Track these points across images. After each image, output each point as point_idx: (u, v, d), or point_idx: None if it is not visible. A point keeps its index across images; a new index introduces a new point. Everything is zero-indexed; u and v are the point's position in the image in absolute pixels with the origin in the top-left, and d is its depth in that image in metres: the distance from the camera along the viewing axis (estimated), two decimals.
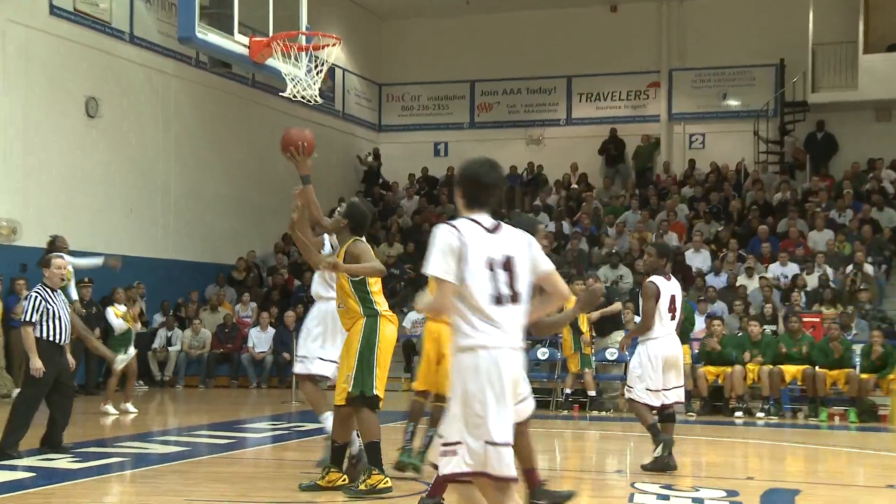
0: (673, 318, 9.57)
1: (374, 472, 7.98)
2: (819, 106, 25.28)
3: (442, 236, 5.21)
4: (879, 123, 25.31)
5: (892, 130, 24.93)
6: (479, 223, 5.27)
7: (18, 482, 8.84)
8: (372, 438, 8.03)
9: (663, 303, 9.49)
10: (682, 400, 10.23)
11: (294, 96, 11.11)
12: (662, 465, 9.46)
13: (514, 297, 5.21)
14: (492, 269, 5.18)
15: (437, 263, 5.16)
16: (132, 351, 15.61)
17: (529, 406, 7.39)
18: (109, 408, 15.04)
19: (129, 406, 15.42)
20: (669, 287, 9.56)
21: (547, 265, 5.35)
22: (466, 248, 5.17)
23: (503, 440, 5.08)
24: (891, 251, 21.61)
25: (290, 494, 8.49)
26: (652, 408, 9.65)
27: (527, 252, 5.31)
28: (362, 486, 7.98)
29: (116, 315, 15.65)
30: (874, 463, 11.76)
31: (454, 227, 5.21)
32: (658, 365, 9.50)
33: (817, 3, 24.93)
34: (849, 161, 25.20)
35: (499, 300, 5.17)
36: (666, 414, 9.77)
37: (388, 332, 8.09)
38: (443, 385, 8.15)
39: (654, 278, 9.57)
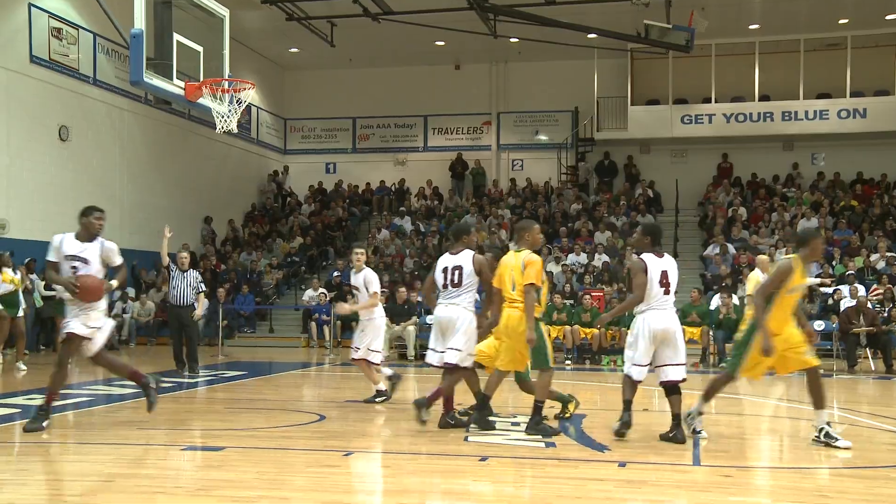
0: (666, 292, 7.22)
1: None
2: (602, 142, 25.67)
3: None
4: (643, 155, 25.66)
5: (651, 160, 25.49)
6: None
7: (8, 416, 8.65)
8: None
9: (654, 278, 7.23)
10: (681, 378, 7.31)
11: (220, 131, 10.94)
12: (671, 438, 7.17)
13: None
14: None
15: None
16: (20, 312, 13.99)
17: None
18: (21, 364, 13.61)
19: (21, 364, 13.66)
20: (660, 263, 7.29)
21: None
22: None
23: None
24: None
25: (218, 423, 8.42)
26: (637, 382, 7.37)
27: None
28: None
29: (4, 279, 13.76)
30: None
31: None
32: (648, 338, 7.19)
33: (600, 68, 25.04)
34: (622, 181, 25.86)
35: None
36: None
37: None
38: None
39: (644, 255, 7.34)
